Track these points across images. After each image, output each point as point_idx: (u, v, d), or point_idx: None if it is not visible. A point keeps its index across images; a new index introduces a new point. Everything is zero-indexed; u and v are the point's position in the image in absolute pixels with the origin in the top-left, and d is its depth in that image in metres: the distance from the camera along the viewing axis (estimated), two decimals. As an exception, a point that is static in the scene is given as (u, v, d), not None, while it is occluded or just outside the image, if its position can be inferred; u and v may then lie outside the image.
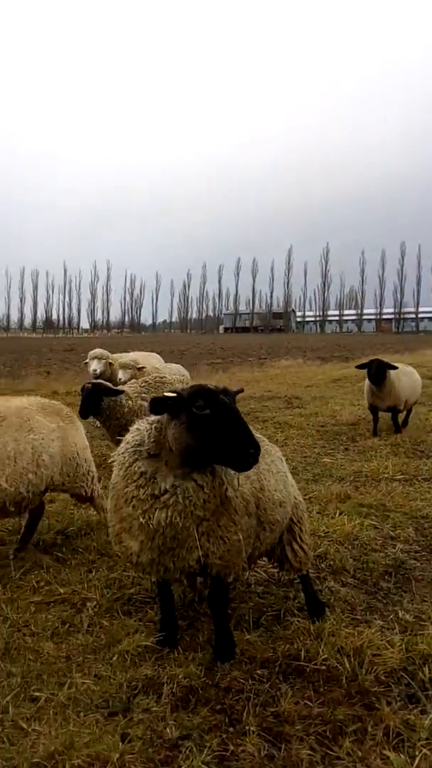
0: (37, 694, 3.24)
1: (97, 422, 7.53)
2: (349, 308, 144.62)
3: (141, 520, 3.23)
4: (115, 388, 7.47)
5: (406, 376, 10.80)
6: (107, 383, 7.64)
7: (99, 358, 10.26)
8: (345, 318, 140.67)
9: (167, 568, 3.36)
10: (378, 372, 10.21)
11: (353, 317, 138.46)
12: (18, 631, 3.89)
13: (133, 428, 3.57)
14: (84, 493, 5.25)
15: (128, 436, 3.53)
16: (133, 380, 8.36)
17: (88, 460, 5.30)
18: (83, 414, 6.87)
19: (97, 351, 10.34)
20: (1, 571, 4.75)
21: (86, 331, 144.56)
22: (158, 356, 13.10)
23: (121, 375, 9.61)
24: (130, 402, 7.37)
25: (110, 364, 10.20)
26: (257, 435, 3.93)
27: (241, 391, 3.59)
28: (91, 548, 5.24)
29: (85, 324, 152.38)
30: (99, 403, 7.05)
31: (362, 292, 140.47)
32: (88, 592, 4.40)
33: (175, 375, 9.67)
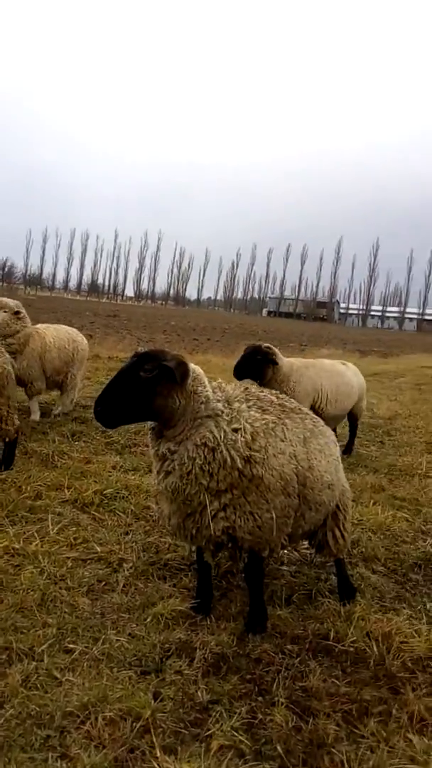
0: (71, 646, 3.32)
1: None
2: (393, 305, 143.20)
3: (155, 481, 3.36)
4: None
5: (321, 373, 7.42)
6: None
7: None
8: (387, 314, 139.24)
9: (193, 535, 3.45)
10: (245, 362, 6.59)
11: (396, 314, 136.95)
12: (54, 584, 3.98)
13: None
14: None
15: None
16: None
17: None
18: None
19: None
20: (39, 524, 4.83)
21: (130, 299, 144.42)
22: None
23: None
24: None
25: None
26: (310, 414, 3.94)
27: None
28: (128, 511, 5.30)
29: (129, 292, 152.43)
30: None
31: (407, 291, 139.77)
32: (124, 553, 4.49)
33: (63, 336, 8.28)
